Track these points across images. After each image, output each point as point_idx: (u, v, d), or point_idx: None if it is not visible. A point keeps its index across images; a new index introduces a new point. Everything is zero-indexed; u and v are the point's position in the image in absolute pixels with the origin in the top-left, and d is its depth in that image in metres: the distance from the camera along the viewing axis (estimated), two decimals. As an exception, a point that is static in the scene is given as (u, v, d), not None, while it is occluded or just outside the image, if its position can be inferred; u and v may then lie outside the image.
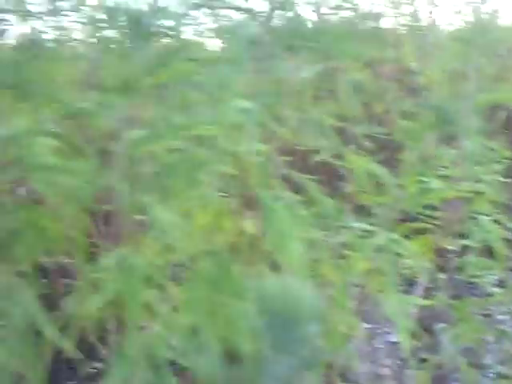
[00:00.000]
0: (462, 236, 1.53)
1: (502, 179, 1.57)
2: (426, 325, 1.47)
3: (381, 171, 1.22)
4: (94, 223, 1.58)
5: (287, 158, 1.20)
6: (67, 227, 1.27)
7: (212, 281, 1.00)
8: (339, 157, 1.32)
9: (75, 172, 1.07)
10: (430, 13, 2.28)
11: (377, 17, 2.04)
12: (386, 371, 1.53)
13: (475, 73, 1.99)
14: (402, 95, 1.92)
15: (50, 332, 0.93)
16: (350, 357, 1.22)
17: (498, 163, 1.57)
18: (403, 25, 2.23)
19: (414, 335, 1.27)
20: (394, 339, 1.73)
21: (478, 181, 1.52)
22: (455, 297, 1.56)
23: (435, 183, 1.35)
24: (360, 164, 1.23)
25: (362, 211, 1.38)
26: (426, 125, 1.29)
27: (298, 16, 1.02)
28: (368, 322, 1.54)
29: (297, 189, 1.17)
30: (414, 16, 2.27)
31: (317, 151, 1.30)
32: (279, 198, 1.04)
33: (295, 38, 1.01)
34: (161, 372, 0.94)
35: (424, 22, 2.28)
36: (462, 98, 1.55)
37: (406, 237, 1.37)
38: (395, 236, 1.21)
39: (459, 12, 2.34)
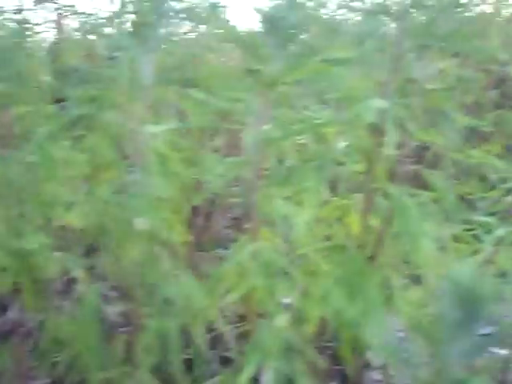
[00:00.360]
0: None
1: None
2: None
3: (500, 164, 1.23)
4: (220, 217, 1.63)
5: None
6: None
7: (349, 273, 1.04)
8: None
9: (206, 165, 1.12)
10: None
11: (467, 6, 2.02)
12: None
13: None
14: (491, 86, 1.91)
15: (215, 317, 0.97)
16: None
17: None
18: (489, 13, 2.20)
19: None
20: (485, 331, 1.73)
21: None
22: None
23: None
24: (479, 157, 1.24)
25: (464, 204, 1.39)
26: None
27: (431, 14, 1.03)
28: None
29: (419, 184, 1.19)
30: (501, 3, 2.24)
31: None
32: (408, 194, 1.07)
33: (428, 37, 1.03)
34: (291, 360, 0.97)
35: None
36: None
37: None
38: (512, 228, 1.22)
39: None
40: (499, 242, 1.21)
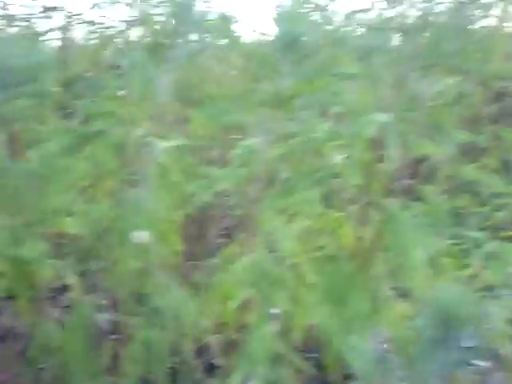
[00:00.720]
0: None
1: None
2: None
3: (493, 180, 1.26)
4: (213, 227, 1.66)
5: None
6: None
7: (338, 283, 1.06)
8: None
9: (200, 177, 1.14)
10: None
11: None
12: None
13: None
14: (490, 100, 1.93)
15: (196, 326, 1.00)
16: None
17: None
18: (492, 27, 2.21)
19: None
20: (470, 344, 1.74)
21: None
22: None
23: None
24: (472, 172, 1.27)
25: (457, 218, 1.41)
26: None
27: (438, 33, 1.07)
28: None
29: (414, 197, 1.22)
30: (504, 17, 2.25)
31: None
32: (402, 205, 1.09)
33: (435, 56, 1.06)
34: (279, 369, 1.00)
35: None
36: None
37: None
38: (503, 243, 1.25)
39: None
40: (487, 257, 1.24)
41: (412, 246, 1.07)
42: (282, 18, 1.07)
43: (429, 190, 1.14)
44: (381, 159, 1.11)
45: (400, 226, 1.07)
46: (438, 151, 1.10)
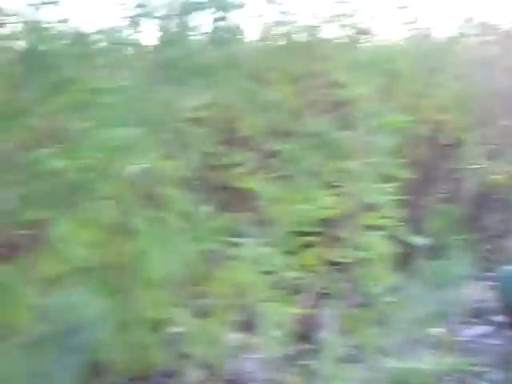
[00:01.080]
0: (356, 248, 1.64)
1: (397, 196, 1.67)
2: (307, 332, 1.57)
3: (272, 189, 1.33)
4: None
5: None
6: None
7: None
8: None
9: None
10: (370, 25, 2.34)
11: (313, 30, 2.12)
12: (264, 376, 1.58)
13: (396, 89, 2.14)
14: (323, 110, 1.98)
15: None
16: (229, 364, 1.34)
17: (395, 181, 1.67)
18: (340, 37, 2.28)
19: (290, 342, 1.39)
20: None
21: (372, 197, 1.63)
22: (348, 305, 1.66)
23: (325, 200, 1.46)
24: (252, 184, 1.33)
25: (258, 225, 1.47)
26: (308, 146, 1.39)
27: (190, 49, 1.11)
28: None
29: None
30: (353, 28, 2.32)
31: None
32: (149, 218, 1.14)
33: (185, 71, 1.10)
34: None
35: (362, 35, 2.33)
36: (372, 115, 1.66)
37: (298, 250, 1.49)
38: (274, 250, 1.32)
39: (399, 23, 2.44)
40: (259, 262, 1.31)
41: (151, 257, 1.11)
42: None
43: (176, 197, 1.17)
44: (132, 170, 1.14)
45: (141, 238, 1.11)
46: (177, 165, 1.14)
